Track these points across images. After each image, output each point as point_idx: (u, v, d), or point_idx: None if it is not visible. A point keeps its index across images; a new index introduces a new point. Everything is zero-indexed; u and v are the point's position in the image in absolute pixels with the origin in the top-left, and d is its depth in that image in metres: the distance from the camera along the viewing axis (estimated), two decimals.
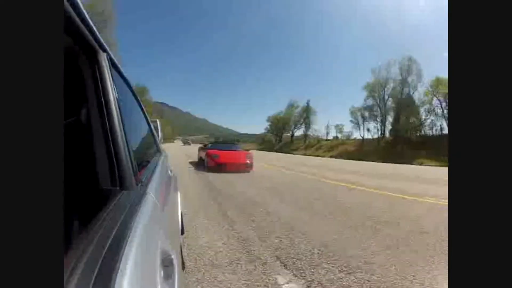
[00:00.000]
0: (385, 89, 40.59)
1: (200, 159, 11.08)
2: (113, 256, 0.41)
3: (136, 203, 0.66)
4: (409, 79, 38.48)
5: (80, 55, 0.71)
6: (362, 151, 35.88)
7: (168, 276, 0.57)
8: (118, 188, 0.69)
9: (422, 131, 36.18)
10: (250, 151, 11.88)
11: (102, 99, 0.71)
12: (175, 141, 75.56)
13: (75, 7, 0.54)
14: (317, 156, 36.03)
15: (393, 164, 22.51)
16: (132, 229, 0.52)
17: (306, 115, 52.53)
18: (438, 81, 32.37)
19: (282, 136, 56.00)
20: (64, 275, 0.35)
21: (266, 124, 59.24)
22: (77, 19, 0.57)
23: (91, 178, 0.69)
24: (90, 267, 0.38)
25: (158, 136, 2.27)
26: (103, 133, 0.70)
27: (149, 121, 2.00)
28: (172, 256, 0.62)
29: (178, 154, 18.85)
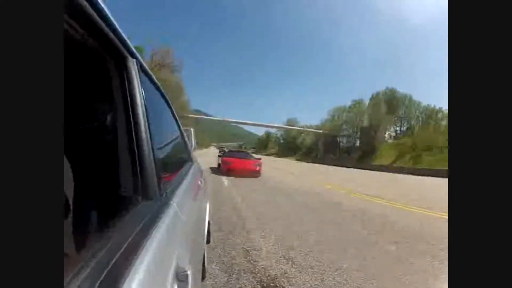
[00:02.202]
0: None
1: (219, 164, 12.99)
2: (123, 265, 0.42)
3: (156, 213, 0.66)
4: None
5: (109, 61, 0.72)
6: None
7: None
8: (140, 196, 0.68)
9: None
10: (260, 159, 13.25)
11: (129, 105, 0.71)
12: (210, 147, 79.97)
13: (100, 11, 0.55)
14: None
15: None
16: (147, 240, 0.52)
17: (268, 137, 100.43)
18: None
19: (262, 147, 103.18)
20: (70, 276, 0.35)
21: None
22: (105, 26, 0.58)
23: (113, 184, 0.69)
24: (98, 272, 0.38)
25: (191, 145, 2.31)
26: (128, 139, 0.70)
27: (182, 129, 2.03)
28: (188, 272, 0.61)
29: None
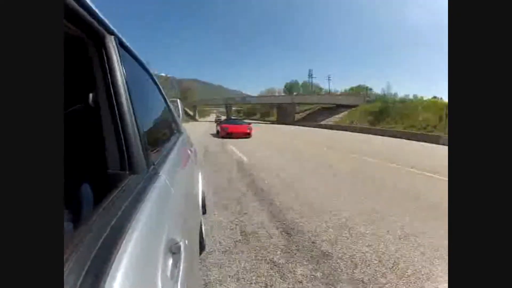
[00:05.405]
0: None
1: (217, 131, 16.42)
2: (112, 241, 0.43)
3: (144, 187, 0.68)
4: None
5: (87, 41, 0.73)
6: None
7: (175, 263, 0.58)
8: (127, 172, 0.70)
9: None
10: (250, 124, 17.06)
11: (110, 82, 0.73)
12: (210, 115, 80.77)
13: None
14: None
15: None
16: (136, 216, 0.53)
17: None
18: None
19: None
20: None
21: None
22: (79, 7, 0.59)
23: (100, 163, 0.72)
24: (88, 251, 0.39)
25: (179, 116, 2.33)
26: (112, 116, 0.72)
27: (168, 101, 2.02)
28: (180, 243, 0.63)
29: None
